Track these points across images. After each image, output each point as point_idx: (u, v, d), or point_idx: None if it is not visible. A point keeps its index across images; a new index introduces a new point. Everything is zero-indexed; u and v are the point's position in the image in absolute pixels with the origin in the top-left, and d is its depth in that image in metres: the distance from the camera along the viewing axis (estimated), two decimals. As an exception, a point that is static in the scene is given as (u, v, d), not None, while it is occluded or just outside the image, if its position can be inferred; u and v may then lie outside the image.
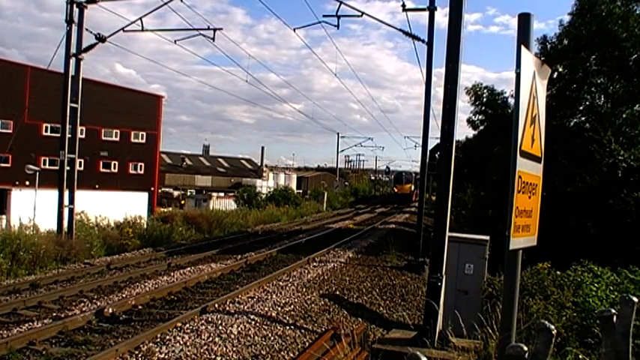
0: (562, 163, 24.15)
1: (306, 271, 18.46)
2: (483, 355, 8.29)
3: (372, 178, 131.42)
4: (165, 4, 19.90)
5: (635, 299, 5.60)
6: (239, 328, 11.32)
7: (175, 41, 23.39)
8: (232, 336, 10.85)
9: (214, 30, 22.35)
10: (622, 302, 5.63)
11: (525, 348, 3.76)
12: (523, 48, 5.25)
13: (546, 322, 4.20)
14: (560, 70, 28.52)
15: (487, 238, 12.79)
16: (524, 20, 5.58)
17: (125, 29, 21.68)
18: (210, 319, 11.66)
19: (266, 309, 13.03)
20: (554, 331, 4.13)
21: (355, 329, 11.77)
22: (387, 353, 9.47)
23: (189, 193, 64.20)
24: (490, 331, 8.36)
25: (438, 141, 12.82)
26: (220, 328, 11.20)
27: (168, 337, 10.32)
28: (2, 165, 43.39)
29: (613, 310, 5.41)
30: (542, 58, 21.01)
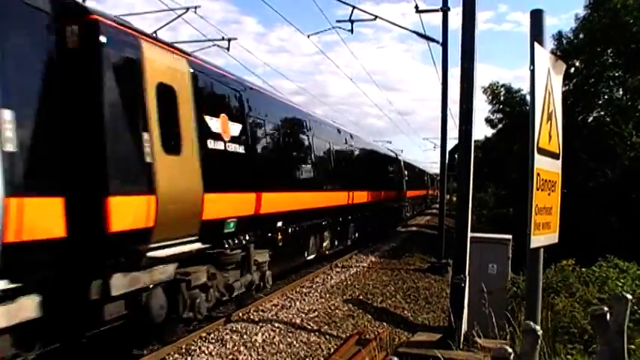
0: (582, 159, 23.98)
1: (329, 277, 18.43)
2: (510, 355, 8.23)
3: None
4: (179, 16, 19.99)
5: (629, 296, 5.54)
6: (264, 336, 11.32)
7: (190, 53, 23.44)
8: (257, 344, 10.85)
9: (229, 40, 22.39)
10: (615, 300, 5.56)
11: (510, 350, 3.73)
12: (536, 44, 5.22)
13: (532, 324, 4.16)
14: (577, 64, 28.36)
15: (509, 237, 12.71)
16: (537, 17, 5.56)
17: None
18: (234, 328, 11.66)
19: (290, 316, 13.02)
20: (540, 332, 4.09)
21: (380, 333, 11.75)
22: (412, 356, 9.43)
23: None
24: (516, 330, 8.31)
25: (457, 141, 12.77)
26: (245, 336, 11.20)
27: (193, 348, 10.33)
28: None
29: (605, 308, 5.36)
30: (558, 54, 20.88)
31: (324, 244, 19.50)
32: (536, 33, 5.49)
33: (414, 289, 17.84)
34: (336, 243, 21.09)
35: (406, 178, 40.99)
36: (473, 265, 11.02)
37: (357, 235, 24.55)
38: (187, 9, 19.57)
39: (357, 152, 25.17)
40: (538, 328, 4.07)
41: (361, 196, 23.99)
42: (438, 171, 35.51)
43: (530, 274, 5.55)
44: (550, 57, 5.66)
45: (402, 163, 40.53)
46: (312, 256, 18.35)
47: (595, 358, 5.88)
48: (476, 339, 9.34)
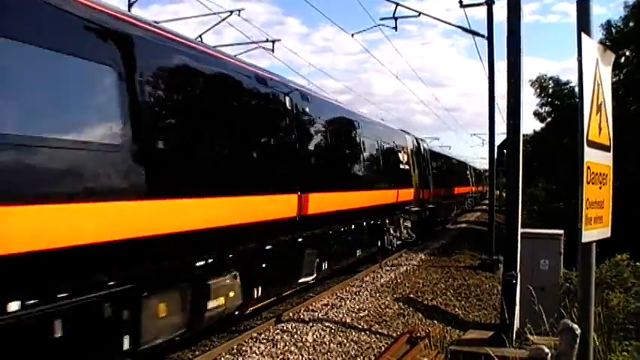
0: (635, 150, 23.44)
1: (379, 276, 18.40)
2: (564, 352, 8.10)
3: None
4: (223, 19, 20.12)
5: None
6: (314, 336, 11.35)
7: (235, 55, 23.58)
8: (308, 344, 10.88)
9: (273, 41, 22.40)
10: None
11: (547, 350, 3.66)
12: (583, 35, 5.12)
13: (569, 322, 4.07)
14: (628, 54, 27.75)
15: (561, 232, 12.52)
16: (583, 6, 5.45)
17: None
18: (285, 328, 11.72)
19: (340, 315, 13.03)
20: (578, 331, 3.99)
21: (431, 331, 11.69)
22: (464, 354, 9.34)
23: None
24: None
25: (505, 136, 12.62)
26: (295, 336, 11.24)
27: (244, 348, 10.41)
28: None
29: None
30: (608, 44, 20.49)
31: (211, 306, 9.38)
32: (583, 23, 5.39)
33: (464, 287, 17.68)
34: (257, 294, 11.07)
35: (433, 171, 30.50)
36: (524, 262, 10.87)
37: (321, 267, 14.46)
38: (231, 12, 19.66)
39: (314, 123, 14.56)
40: (576, 326, 3.98)
41: (322, 202, 13.82)
42: (486, 167, 34.96)
43: (582, 270, 5.44)
44: (598, 47, 5.55)
45: (427, 152, 29.85)
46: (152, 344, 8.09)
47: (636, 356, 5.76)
48: (528, 336, 9.20)
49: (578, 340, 3.99)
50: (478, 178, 65.11)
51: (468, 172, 54.24)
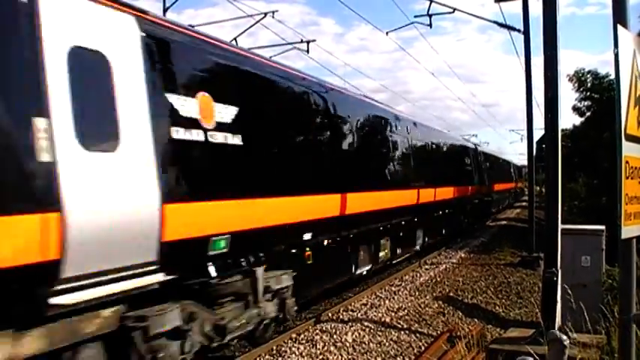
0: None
1: (418, 274, 18.32)
2: (606, 349, 7.97)
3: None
4: (258, 22, 20.21)
5: None
6: (353, 336, 11.35)
7: (270, 57, 23.66)
8: (347, 344, 10.88)
9: (308, 42, 22.42)
10: None
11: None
12: (619, 26, 5.03)
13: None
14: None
15: (602, 227, 12.31)
16: (619, -2, 5.37)
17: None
18: (324, 328, 11.74)
19: (379, 315, 13.00)
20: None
21: (471, 330, 11.59)
22: (504, 353, 9.25)
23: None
24: (613, 324, 8.04)
25: (543, 131, 12.48)
26: (335, 336, 11.25)
27: (284, 349, 10.45)
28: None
29: None
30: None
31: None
32: (620, 14, 5.32)
33: (505, 284, 17.50)
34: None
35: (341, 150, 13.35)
36: (565, 258, 10.72)
37: None
38: (265, 14, 19.74)
39: None
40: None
41: None
42: (525, 162, 34.34)
43: (623, 266, 5.36)
44: (635, 39, 5.44)
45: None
46: None
47: None
48: (570, 334, 9.08)
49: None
50: (502, 173, 48.00)
51: (470, 162, 31.45)
